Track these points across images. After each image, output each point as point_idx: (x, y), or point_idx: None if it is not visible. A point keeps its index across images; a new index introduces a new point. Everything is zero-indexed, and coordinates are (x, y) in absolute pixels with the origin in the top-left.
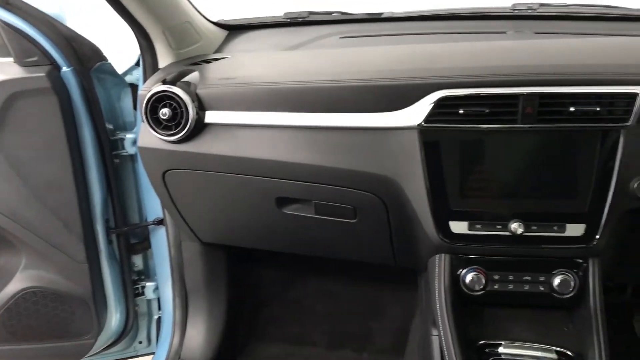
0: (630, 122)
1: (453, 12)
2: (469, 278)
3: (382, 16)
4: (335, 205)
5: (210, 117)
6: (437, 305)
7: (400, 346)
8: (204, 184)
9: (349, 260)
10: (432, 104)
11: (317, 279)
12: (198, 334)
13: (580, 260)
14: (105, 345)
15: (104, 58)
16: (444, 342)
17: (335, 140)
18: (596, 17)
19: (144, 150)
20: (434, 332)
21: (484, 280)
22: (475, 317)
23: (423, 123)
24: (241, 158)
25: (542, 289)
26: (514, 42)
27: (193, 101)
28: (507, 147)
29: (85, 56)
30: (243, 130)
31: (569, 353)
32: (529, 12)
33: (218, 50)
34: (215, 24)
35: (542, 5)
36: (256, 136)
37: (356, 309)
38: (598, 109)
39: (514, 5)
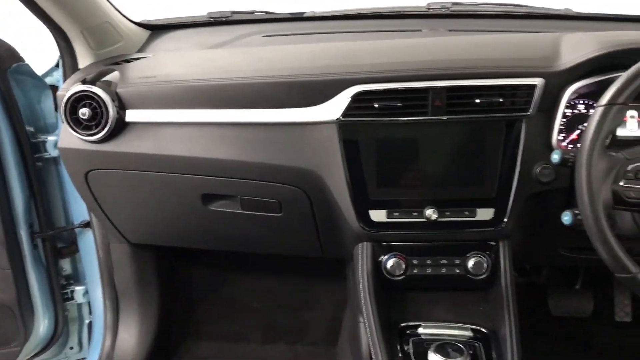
0: (530, 112)
1: (372, 11)
2: (390, 264)
3: (304, 15)
4: (261, 200)
5: (132, 115)
6: (361, 290)
7: (333, 336)
8: (128, 183)
9: (278, 254)
10: (349, 99)
11: (250, 275)
12: (130, 337)
13: (492, 243)
14: (34, 353)
15: (20, 59)
16: (367, 325)
17: (257, 136)
18: (505, 15)
19: (65, 151)
20: (361, 319)
21: (404, 266)
22: (397, 302)
23: (341, 117)
24: (164, 156)
25: (457, 271)
26: (425, 40)
27: (113, 100)
28: (420, 138)
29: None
30: (165, 128)
31: (484, 330)
32: (443, 11)
33: (140, 50)
34: (137, 23)
35: (455, 4)
36: (178, 133)
37: (289, 302)
38: (501, 100)
39: (429, 4)
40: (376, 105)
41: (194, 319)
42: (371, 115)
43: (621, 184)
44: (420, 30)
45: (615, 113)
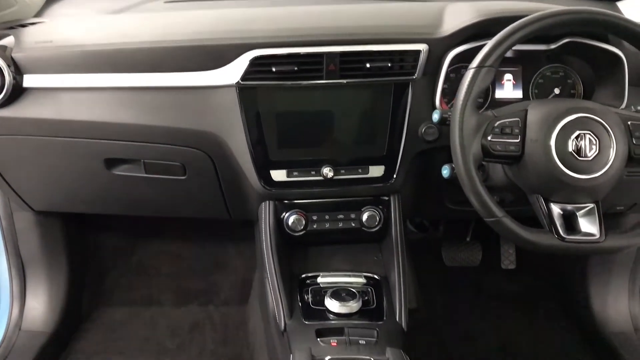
0: (416, 76)
1: None
2: (291, 220)
3: None
4: (164, 163)
5: (29, 81)
6: (264, 246)
7: (244, 296)
8: (29, 149)
9: (186, 218)
10: (247, 63)
11: (160, 241)
12: (39, 304)
13: (384, 198)
14: None
15: None
16: (269, 278)
17: (158, 100)
18: None
19: None
20: (266, 275)
21: (304, 221)
22: (299, 257)
23: (240, 81)
24: (64, 121)
25: (353, 224)
26: (321, 7)
27: (9, 65)
28: (316, 101)
29: None
30: (64, 93)
31: (376, 277)
32: None
33: (37, 16)
34: None
35: None
36: (78, 98)
37: (200, 266)
38: (389, 64)
39: None
40: (274, 69)
41: (104, 286)
42: (269, 79)
43: (489, 138)
44: None
45: (483, 75)
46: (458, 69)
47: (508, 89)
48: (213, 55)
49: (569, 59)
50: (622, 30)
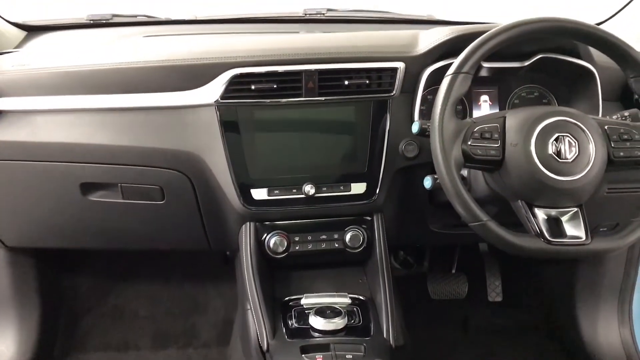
0: (394, 93)
1: (252, 16)
2: (272, 242)
3: (186, 19)
4: (142, 187)
5: (5, 104)
6: (245, 269)
7: (225, 336)
8: (3, 176)
9: (164, 258)
10: (227, 82)
11: (136, 282)
12: (8, 350)
13: (367, 218)
14: None
15: None
16: (250, 301)
17: (136, 120)
18: (375, 20)
19: None
20: (249, 305)
21: (286, 243)
22: (281, 280)
23: (219, 99)
24: (40, 143)
25: (337, 245)
26: (300, 34)
27: None
28: (296, 119)
29: None
30: (41, 116)
31: (362, 298)
32: (319, 16)
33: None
34: (13, 23)
35: (329, 10)
36: (54, 120)
37: (178, 307)
38: (368, 82)
39: (305, 10)
40: (253, 88)
41: (79, 330)
42: (249, 97)
43: (469, 143)
44: (298, 32)
45: (461, 81)
46: (435, 91)
47: (485, 110)
48: (191, 75)
49: (544, 79)
50: (589, 36)
